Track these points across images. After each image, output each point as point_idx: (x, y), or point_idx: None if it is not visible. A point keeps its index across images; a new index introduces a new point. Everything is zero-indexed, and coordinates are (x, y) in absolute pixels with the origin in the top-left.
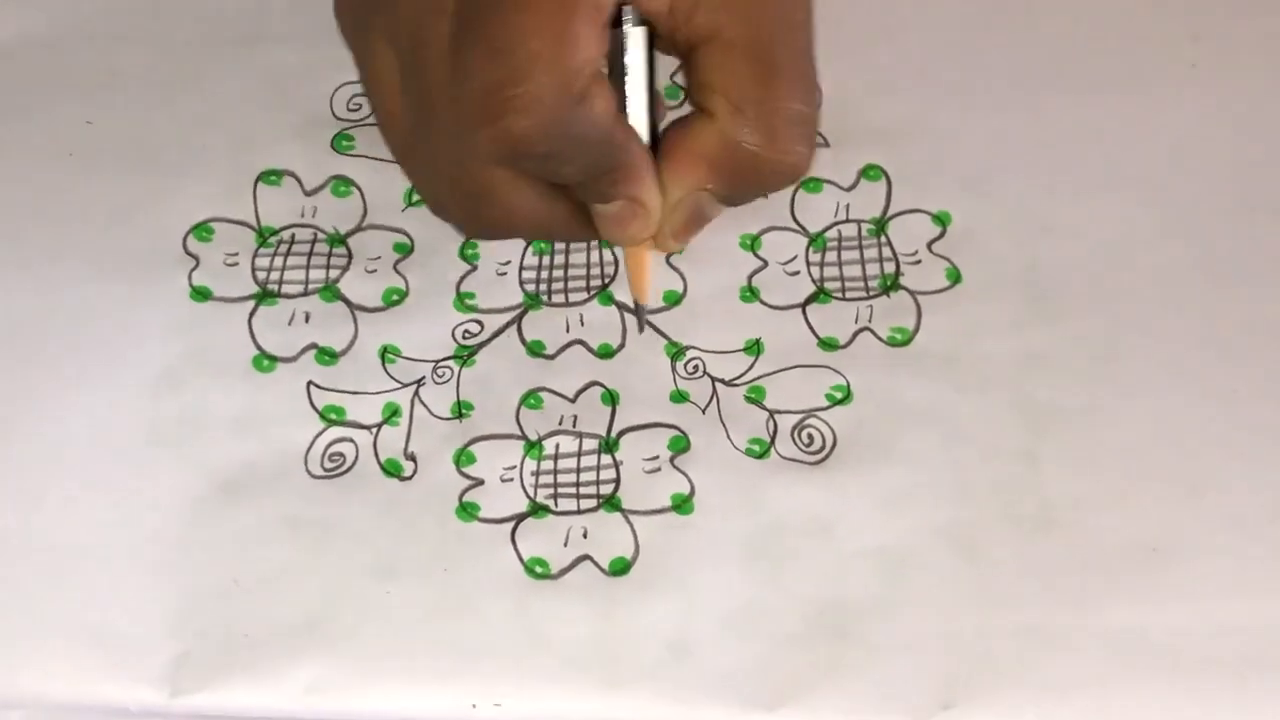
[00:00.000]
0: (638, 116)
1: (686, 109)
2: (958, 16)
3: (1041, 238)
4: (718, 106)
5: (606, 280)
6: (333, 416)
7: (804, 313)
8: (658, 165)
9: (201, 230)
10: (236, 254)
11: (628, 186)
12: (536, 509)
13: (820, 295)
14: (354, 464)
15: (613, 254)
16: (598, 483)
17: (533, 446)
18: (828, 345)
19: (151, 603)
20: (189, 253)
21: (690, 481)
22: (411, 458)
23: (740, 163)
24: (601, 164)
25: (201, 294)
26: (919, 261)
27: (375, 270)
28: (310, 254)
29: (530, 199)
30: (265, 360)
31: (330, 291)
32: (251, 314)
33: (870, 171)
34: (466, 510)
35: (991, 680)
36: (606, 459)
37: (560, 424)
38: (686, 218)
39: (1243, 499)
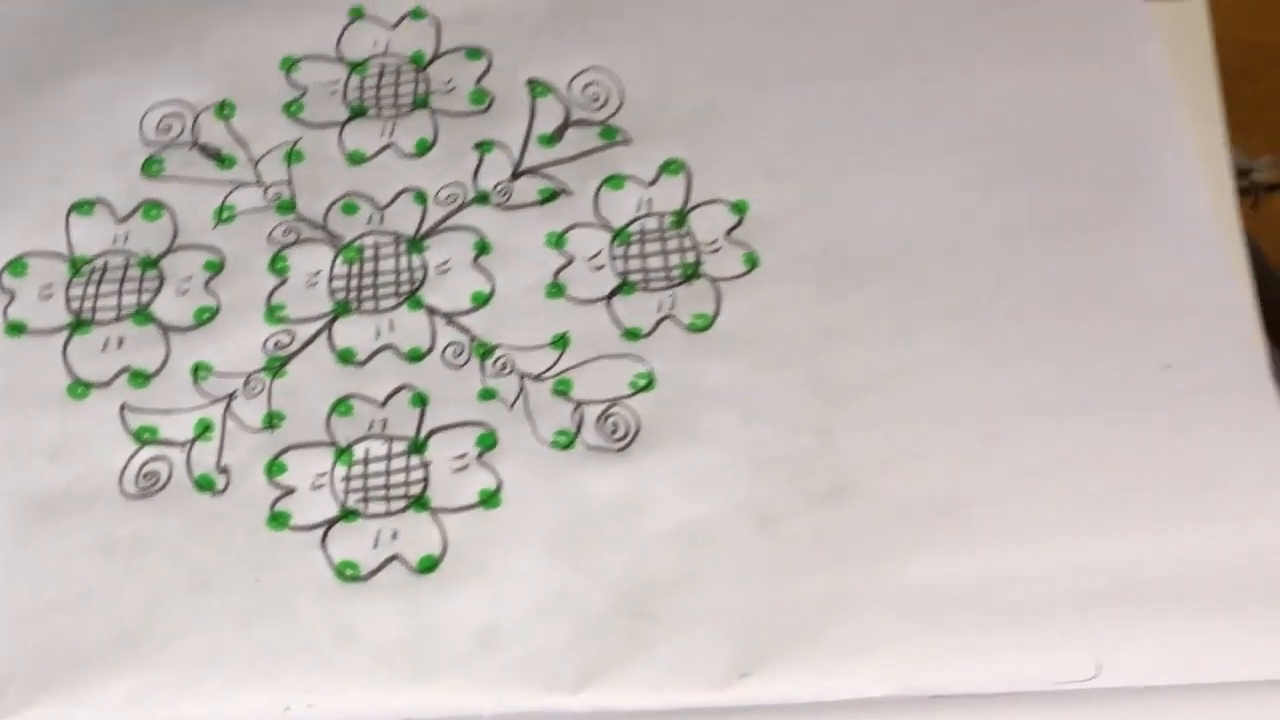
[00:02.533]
0: None
1: None
2: (750, 13)
3: (834, 218)
4: None
5: (415, 286)
6: (146, 436)
7: (608, 305)
8: None
9: (16, 266)
10: (50, 285)
11: None
12: (347, 514)
13: (624, 287)
14: (168, 482)
15: (421, 260)
16: (407, 484)
17: (343, 453)
18: (631, 335)
19: None
20: (4, 289)
21: (498, 476)
22: (224, 471)
23: None
24: None
25: (16, 329)
26: (718, 249)
27: (187, 290)
28: (123, 280)
29: None
30: (79, 387)
31: (143, 315)
32: (66, 344)
33: (670, 166)
34: (278, 520)
35: (787, 647)
36: (415, 460)
37: (370, 429)
38: None
39: (1027, 456)
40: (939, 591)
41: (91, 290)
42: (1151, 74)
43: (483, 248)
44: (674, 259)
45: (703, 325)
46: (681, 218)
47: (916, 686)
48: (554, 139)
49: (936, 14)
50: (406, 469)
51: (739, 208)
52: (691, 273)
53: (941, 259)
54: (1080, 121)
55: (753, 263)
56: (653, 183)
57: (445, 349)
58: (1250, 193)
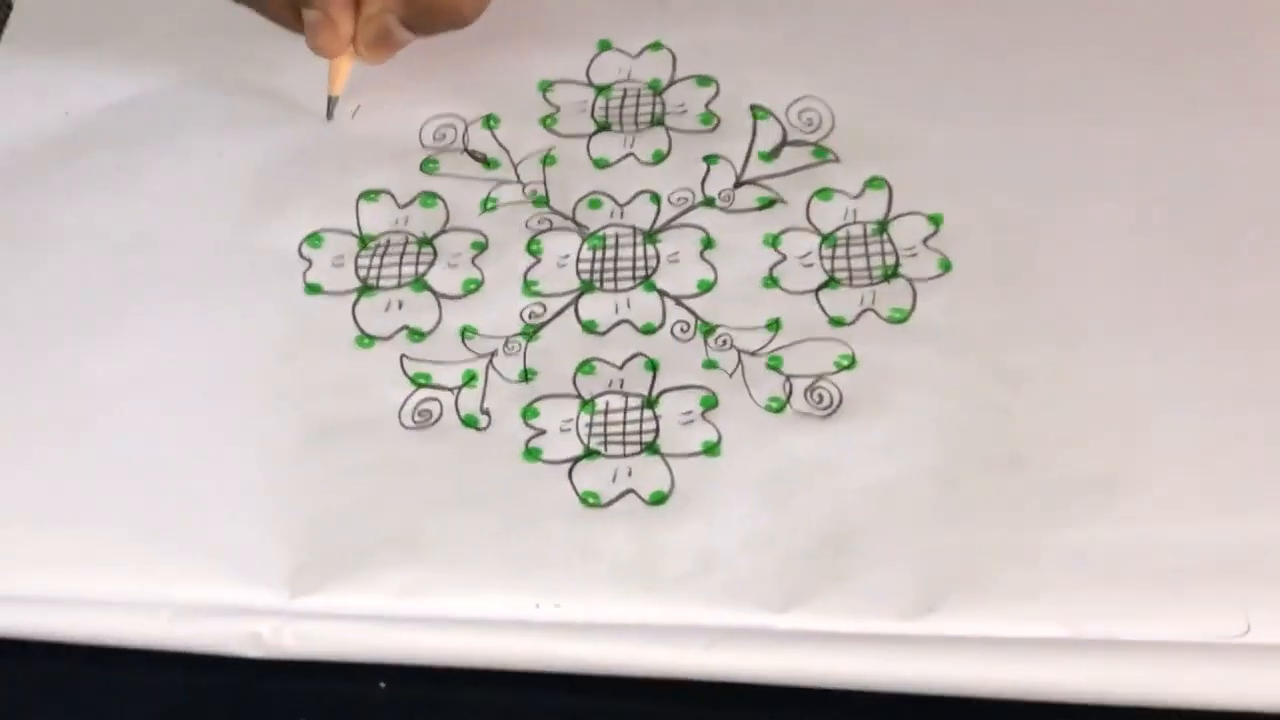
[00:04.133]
0: None
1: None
2: (949, 50)
3: (1017, 231)
4: None
5: (650, 272)
6: (421, 381)
7: (817, 297)
8: None
9: (313, 239)
10: (342, 256)
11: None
12: (590, 453)
13: (831, 282)
14: (439, 418)
15: (655, 250)
16: (640, 432)
17: (587, 404)
18: (837, 322)
19: (275, 523)
20: (303, 257)
21: (718, 431)
22: (486, 412)
23: None
24: None
25: (314, 289)
26: (915, 254)
27: (456, 265)
28: (402, 254)
29: None
30: (366, 339)
31: (419, 284)
32: (355, 304)
33: (874, 182)
34: (531, 454)
35: (968, 588)
36: (648, 413)
37: (610, 386)
38: (376, 33)
39: (1179, 440)
40: (1099, 552)
41: (376, 261)
42: None
43: (708, 243)
44: (875, 261)
45: (900, 318)
46: (883, 226)
47: (1081, 630)
48: (772, 156)
49: (1116, 61)
50: (640, 420)
51: (935, 220)
52: (891, 273)
53: (1110, 271)
54: (1248, 161)
55: (946, 266)
56: (858, 196)
57: (674, 325)
58: None
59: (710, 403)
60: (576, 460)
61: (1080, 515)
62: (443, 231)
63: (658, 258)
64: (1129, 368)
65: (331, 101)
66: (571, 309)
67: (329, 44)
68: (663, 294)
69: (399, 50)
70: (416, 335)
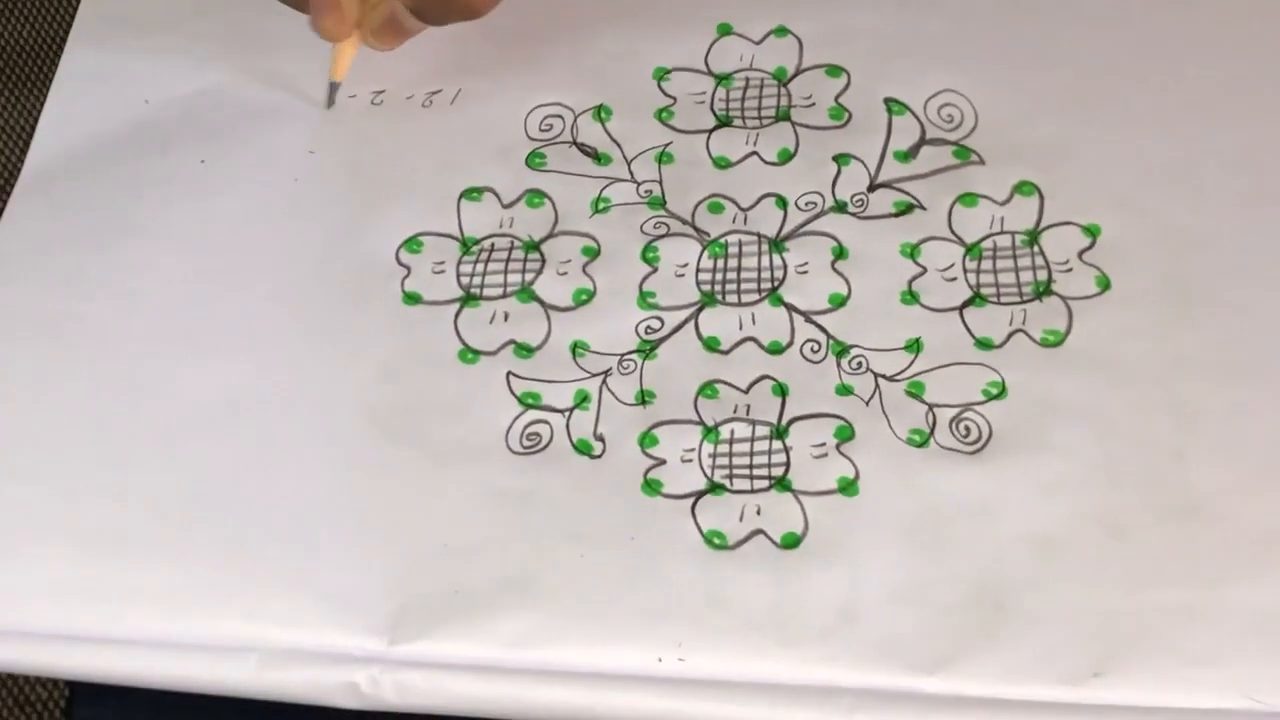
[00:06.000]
0: None
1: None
2: (1106, 46)
3: (1186, 249)
4: None
5: (776, 284)
6: (530, 401)
7: (961, 315)
8: None
9: (412, 243)
10: (443, 262)
11: None
12: (714, 487)
13: (976, 299)
14: (549, 443)
15: (781, 260)
16: (769, 465)
17: (710, 431)
18: (984, 345)
19: (374, 563)
20: (401, 263)
21: (855, 466)
22: (600, 438)
23: None
24: None
25: (413, 299)
26: (1070, 270)
27: (566, 273)
28: (508, 260)
29: None
30: (469, 354)
31: (526, 293)
32: (457, 315)
33: (1024, 187)
34: (651, 486)
35: (1141, 651)
36: (777, 444)
37: (735, 412)
38: (384, 20)
39: None
40: None
41: (480, 268)
42: None
43: (840, 253)
44: (1025, 275)
45: (1055, 341)
46: (1033, 237)
47: (1264, 702)
48: (909, 156)
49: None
50: (769, 451)
51: (1091, 231)
52: (1043, 290)
53: None
54: None
55: (1105, 285)
56: (1005, 202)
57: (803, 345)
58: None
59: (846, 434)
60: (700, 495)
61: (1262, 572)
62: (551, 235)
63: (785, 268)
64: None
65: (333, 87)
66: (691, 324)
67: (334, 27)
68: (791, 309)
69: (410, 38)
70: (524, 351)
